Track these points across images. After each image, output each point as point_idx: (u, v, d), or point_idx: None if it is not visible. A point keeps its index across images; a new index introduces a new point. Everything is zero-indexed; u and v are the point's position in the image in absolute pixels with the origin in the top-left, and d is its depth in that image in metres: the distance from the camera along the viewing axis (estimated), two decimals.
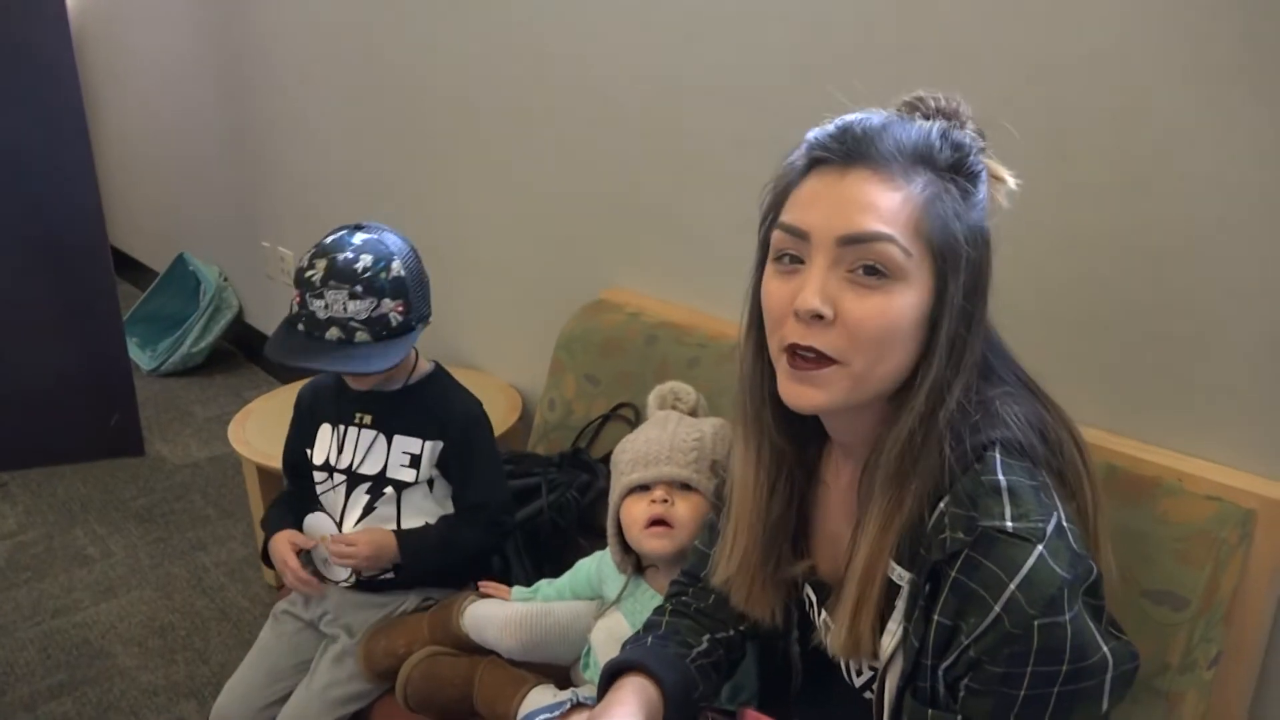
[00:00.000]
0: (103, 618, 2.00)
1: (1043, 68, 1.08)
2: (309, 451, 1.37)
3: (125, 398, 2.66)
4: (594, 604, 1.20)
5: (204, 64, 3.02)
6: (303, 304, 1.22)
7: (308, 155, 2.62)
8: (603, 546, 1.23)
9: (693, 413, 1.21)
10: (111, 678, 1.83)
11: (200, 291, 3.28)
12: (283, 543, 1.31)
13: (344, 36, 2.30)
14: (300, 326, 1.23)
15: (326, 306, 1.20)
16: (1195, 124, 0.98)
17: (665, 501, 1.09)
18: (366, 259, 1.22)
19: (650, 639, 0.95)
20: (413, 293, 1.25)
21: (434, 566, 1.33)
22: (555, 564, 1.41)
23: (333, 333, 1.21)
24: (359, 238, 1.25)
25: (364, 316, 1.20)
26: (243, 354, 3.34)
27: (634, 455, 1.13)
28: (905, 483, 0.76)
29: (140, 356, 3.28)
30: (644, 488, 1.11)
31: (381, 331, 1.22)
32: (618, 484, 1.14)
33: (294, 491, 1.41)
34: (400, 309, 1.23)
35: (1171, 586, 0.95)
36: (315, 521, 1.35)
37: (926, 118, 0.79)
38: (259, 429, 1.96)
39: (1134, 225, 1.05)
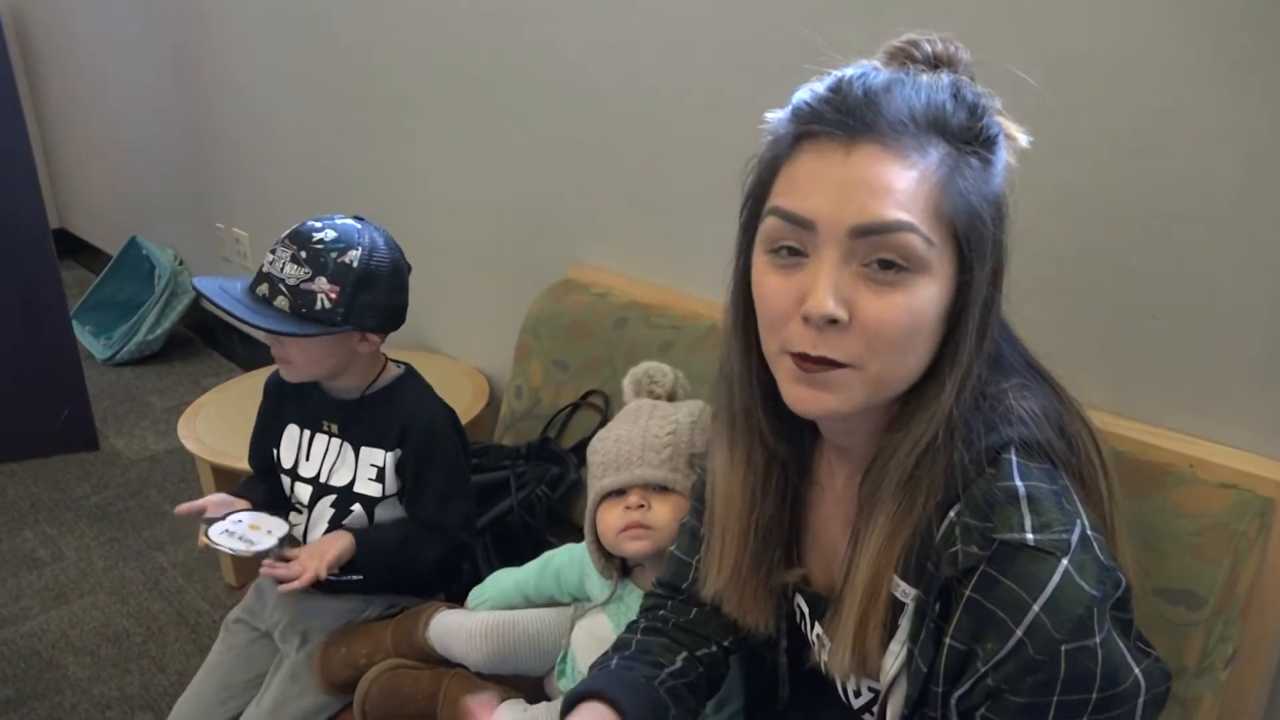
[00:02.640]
0: (53, 626, 1.90)
1: (1038, 16, 1.00)
2: (275, 451, 1.28)
3: (76, 390, 2.54)
4: (566, 611, 1.12)
5: (153, 42, 2.88)
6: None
7: (261, 134, 2.50)
8: (575, 541, 1.15)
9: (671, 396, 1.12)
10: (62, 691, 1.73)
11: (155, 276, 3.15)
12: (219, 499, 1.23)
13: (293, 10, 2.19)
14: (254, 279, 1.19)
15: (272, 261, 1.15)
16: (1204, 76, 0.90)
17: (641, 506, 1.01)
18: (330, 234, 1.15)
19: (615, 660, 0.87)
20: (356, 289, 1.14)
21: (391, 573, 1.24)
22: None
23: (262, 288, 1.15)
24: (345, 220, 1.19)
25: (293, 283, 1.13)
26: (201, 340, 3.22)
27: (605, 457, 1.04)
28: (917, 489, 0.67)
29: (94, 345, 3.15)
30: (619, 491, 1.03)
31: (302, 307, 1.12)
32: (591, 489, 1.05)
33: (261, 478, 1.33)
34: (333, 295, 1.13)
35: (1187, 584, 0.88)
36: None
37: (929, 67, 0.68)
38: (211, 423, 1.85)
39: (1138, 186, 0.97)
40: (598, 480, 1.04)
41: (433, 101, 1.87)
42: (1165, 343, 0.98)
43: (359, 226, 1.18)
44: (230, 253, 2.81)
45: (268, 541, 1.17)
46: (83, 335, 3.16)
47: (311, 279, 1.12)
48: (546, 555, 1.20)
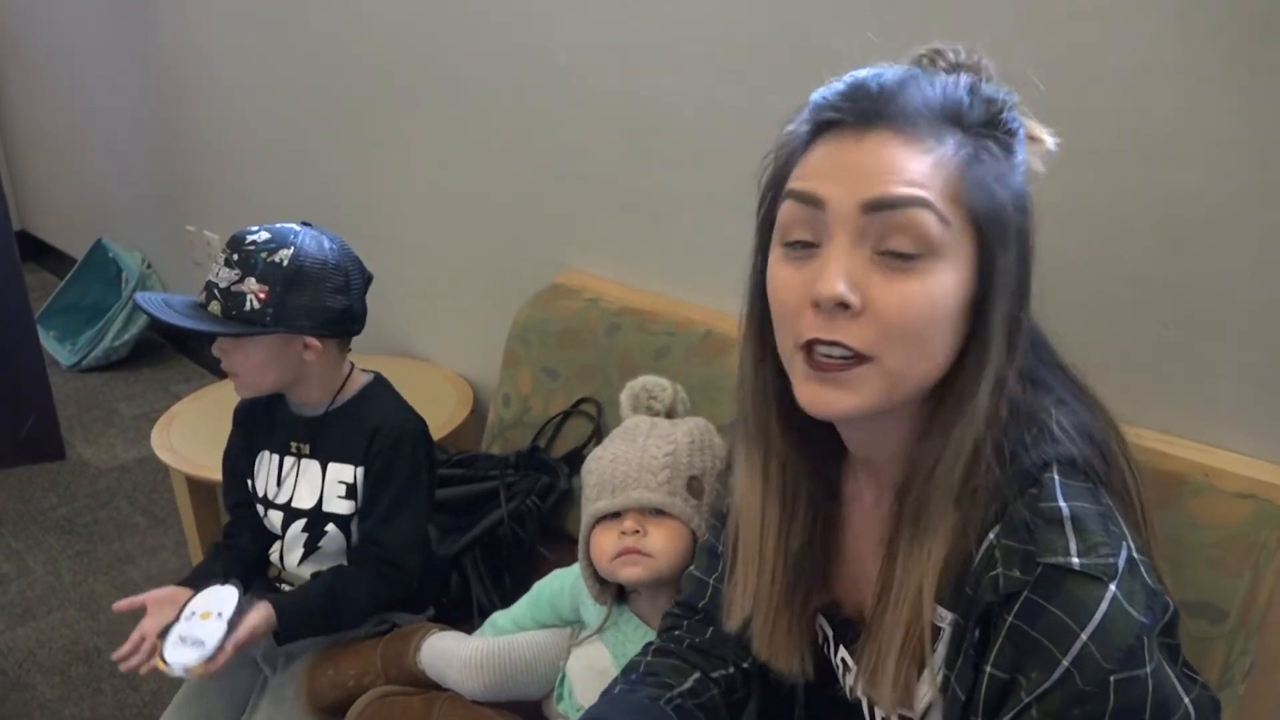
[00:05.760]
0: (19, 645, 1.83)
1: (1049, 19, 0.97)
2: (250, 482, 1.24)
3: (41, 397, 2.47)
4: (564, 632, 1.08)
5: (120, 36, 2.80)
6: None
7: (236, 132, 2.44)
8: (569, 555, 1.11)
9: (669, 412, 1.08)
10: (30, 713, 1.67)
11: (122, 279, 3.07)
12: (161, 595, 1.14)
13: (267, 4, 2.12)
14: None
15: (214, 270, 1.13)
16: (1220, 80, 0.88)
17: (636, 532, 0.96)
18: (263, 236, 1.13)
19: (620, 685, 0.84)
20: (285, 288, 1.09)
21: (323, 630, 1.17)
22: (517, 578, 1.30)
23: (201, 296, 1.13)
24: (287, 224, 1.16)
25: (224, 286, 1.10)
26: (171, 345, 3.15)
27: (600, 478, 0.99)
28: (973, 504, 0.64)
29: (59, 351, 3.07)
30: (615, 515, 0.98)
31: (232, 309, 1.09)
32: (585, 511, 1.01)
33: (231, 540, 1.27)
34: (262, 295, 1.09)
35: (1208, 597, 0.86)
36: (209, 599, 1.09)
37: (946, 74, 0.67)
38: (185, 433, 1.79)
39: (1151, 193, 0.95)
40: (591, 503, 1.00)
41: (416, 100, 1.82)
42: (1178, 351, 0.96)
43: (297, 228, 1.15)
44: (201, 256, 2.74)
45: (218, 631, 1.04)
46: (47, 341, 3.07)
47: (241, 280, 1.10)
48: (536, 589, 1.16)
